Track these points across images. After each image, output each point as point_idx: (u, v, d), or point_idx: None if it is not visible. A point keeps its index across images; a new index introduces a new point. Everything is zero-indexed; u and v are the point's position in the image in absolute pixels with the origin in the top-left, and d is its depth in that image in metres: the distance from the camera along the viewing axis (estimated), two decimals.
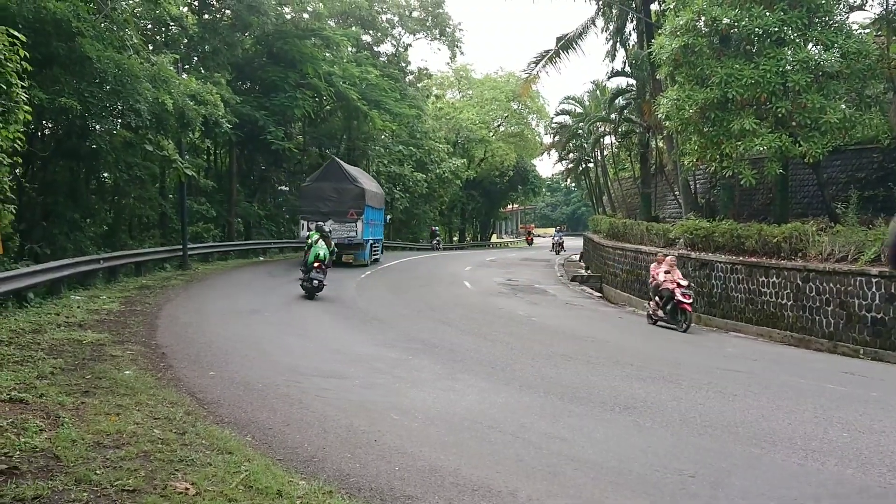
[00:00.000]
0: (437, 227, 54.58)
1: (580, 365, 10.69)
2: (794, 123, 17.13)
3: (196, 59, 30.12)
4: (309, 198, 26.77)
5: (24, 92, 10.95)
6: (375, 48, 48.97)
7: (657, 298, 16.16)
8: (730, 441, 6.91)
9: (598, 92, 42.65)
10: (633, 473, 5.88)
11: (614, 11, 30.21)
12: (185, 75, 22.89)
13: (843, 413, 8.12)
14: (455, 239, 67.22)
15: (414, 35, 52.97)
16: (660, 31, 19.74)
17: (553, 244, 49.46)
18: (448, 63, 70.18)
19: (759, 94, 16.74)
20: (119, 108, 18.08)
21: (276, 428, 6.78)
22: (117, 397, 7.17)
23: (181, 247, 23.46)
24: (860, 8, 19.11)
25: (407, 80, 50.56)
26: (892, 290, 12.60)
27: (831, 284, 13.91)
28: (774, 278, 15.48)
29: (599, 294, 24.93)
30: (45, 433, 5.74)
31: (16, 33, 10.45)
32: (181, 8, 25.24)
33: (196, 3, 30.86)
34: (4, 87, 10.29)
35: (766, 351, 13.57)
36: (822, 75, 16.79)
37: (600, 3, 30.48)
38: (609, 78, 36.70)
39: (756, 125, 16.81)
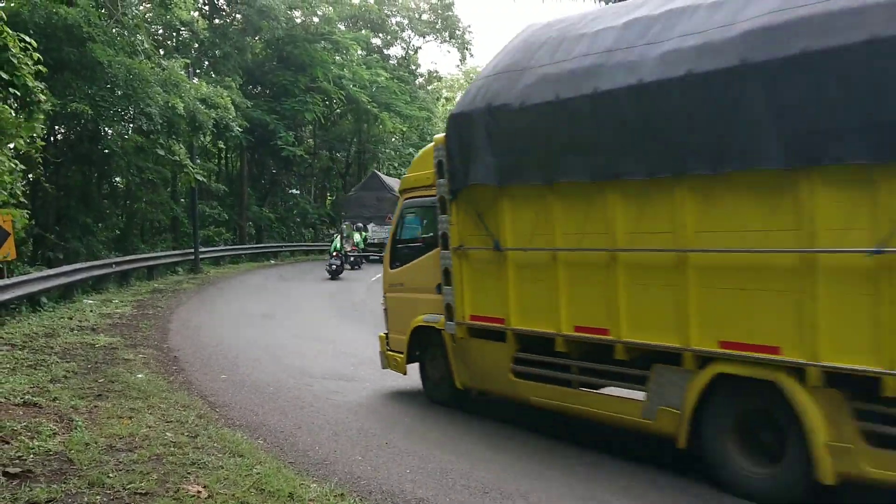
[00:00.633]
0: None
1: None
2: None
3: (207, 63, 30.33)
4: (352, 205, 31.18)
5: (41, 93, 11.06)
6: (385, 51, 48.97)
7: None
8: None
9: None
10: None
11: None
12: (195, 79, 23.04)
13: None
14: None
15: (423, 38, 52.88)
16: None
17: None
18: (458, 66, 70.23)
19: None
20: (130, 112, 18.25)
21: (288, 431, 6.77)
22: (130, 401, 7.19)
23: (193, 250, 23.56)
24: None
25: (417, 82, 50.57)
26: None
27: None
28: None
29: None
30: (58, 436, 5.75)
31: (28, 38, 10.55)
32: (192, 13, 25.43)
33: (207, 7, 31.08)
34: (23, 88, 10.41)
35: None
36: None
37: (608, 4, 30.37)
38: None
39: None
